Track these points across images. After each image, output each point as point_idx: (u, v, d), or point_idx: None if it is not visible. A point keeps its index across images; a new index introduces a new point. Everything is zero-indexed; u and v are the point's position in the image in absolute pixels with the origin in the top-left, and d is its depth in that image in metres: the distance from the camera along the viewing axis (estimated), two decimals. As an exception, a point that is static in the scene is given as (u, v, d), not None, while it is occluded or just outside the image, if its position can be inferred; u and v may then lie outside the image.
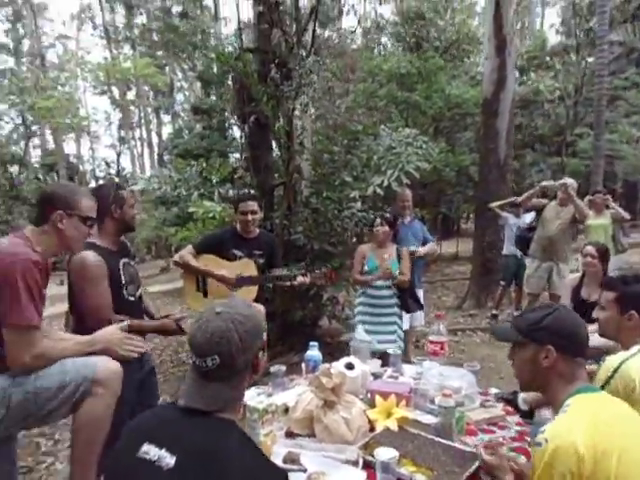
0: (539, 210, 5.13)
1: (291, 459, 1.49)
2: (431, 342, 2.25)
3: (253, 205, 2.99)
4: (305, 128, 5.23)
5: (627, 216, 5.42)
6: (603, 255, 3.20)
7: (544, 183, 5.02)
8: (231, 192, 4.86)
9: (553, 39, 19.69)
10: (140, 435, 1.06)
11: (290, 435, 1.70)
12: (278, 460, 1.46)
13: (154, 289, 12.48)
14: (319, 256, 4.78)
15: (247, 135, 5.23)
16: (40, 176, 23.03)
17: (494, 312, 6.33)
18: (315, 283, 3.20)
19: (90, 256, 1.94)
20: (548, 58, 13.91)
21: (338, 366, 1.91)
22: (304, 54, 4.96)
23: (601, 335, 1.93)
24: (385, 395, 1.80)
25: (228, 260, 2.99)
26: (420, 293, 4.22)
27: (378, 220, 3.54)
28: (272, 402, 1.72)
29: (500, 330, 1.53)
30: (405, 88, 9.96)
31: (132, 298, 2.16)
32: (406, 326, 3.95)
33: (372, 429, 1.71)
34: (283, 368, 2.12)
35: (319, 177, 5.30)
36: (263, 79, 4.68)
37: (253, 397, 1.74)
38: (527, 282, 5.15)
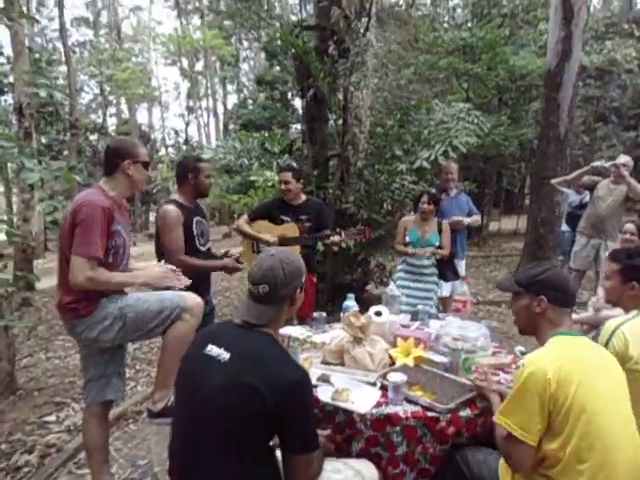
0: (592, 188, 5.11)
1: (323, 379, 1.89)
2: (455, 300, 2.55)
3: (287, 175, 3.41)
4: (360, 103, 5.46)
5: None
6: None
7: (595, 163, 4.97)
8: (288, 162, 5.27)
9: (640, 1, 18.12)
10: (206, 338, 1.49)
11: (325, 363, 2.10)
12: (313, 379, 1.86)
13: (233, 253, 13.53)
14: (368, 224, 5.10)
15: (305, 108, 5.57)
16: (117, 144, 24.55)
17: None
18: (350, 239, 3.55)
19: (170, 208, 2.51)
20: (626, 26, 12.91)
21: (369, 312, 2.28)
22: (362, 30, 5.17)
23: (607, 301, 2.15)
24: (406, 338, 2.14)
25: (276, 225, 3.43)
26: (462, 263, 4.43)
27: (425, 197, 3.77)
28: (312, 337, 2.12)
29: (504, 283, 1.81)
30: (467, 59, 9.78)
31: (203, 248, 2.71)
32: (447, 293, 4.21)
33: (392, 364, 2.07)
34: (324, 314, 2.53)
35: (372, 150, 5.56)
36: (321, 56, 4.96)
37: (297, 331, 2.16)
38: (574, 258, 5.19)
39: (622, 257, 2.07)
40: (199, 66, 27.87)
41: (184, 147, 29.60)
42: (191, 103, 29.53)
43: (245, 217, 3.58)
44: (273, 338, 1.48)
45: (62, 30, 15.73)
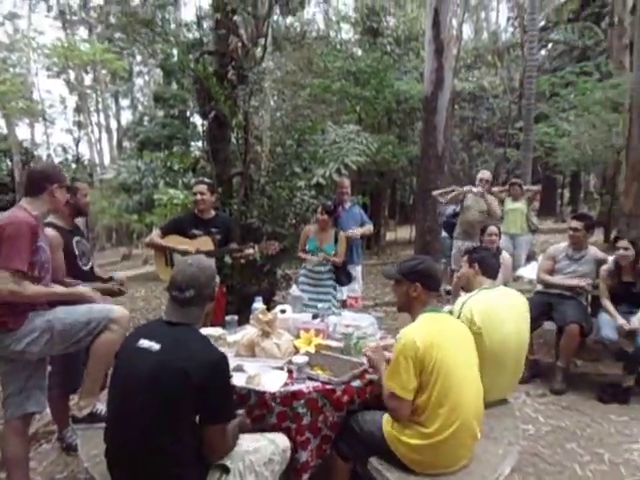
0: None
1: (237, 368, 2.18)
2: (349, 297, 2.97)
3: (202, 187, 3.69)
4: (260, 124, 5.84)
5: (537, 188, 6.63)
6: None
7: (466, 188, 5.81)
8: (193, 180, 5.45)
9: (508, 34, 20.84)
10: (138, 334, 1.73)
11: (238, 356, 2.38)
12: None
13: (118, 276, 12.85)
14: (273, 237, 5.45)
15: (208, 129, 5.80)
16: (-6, 162, 22.42)
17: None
18: (262, 252, 3.87)
19: (49, 231, 2.50)
20: (489, 57, 14.86)
21: (275, 310, 2.61)
22: (259, 58, 5.57)
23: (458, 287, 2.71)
24: (308, 330, 2.51)
25: (189, 238, 3.64)
26: (358, 268, 4.93)
27: (320, 208, 4.22)
28: (226, 335, 2.40)
29: (388, 272, 2.24)
30: (358, 83, 10.65)
31: (85, 268, 2.80)
32: (344, 296, 4.68)
33: (297, 352, 2.42)
34: (236, 317, 2.82)
35: (273, 168, 5.95)
36: (221, 80, 5.25)
37: (211, 330, 2.42)
38: (454, 260, 5.98)
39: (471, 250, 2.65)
40: (88, 79, 26.45)
41: (74, 165, 27.76)
42: (81, 118, 27.87)
43: (157, 232, 3.74)
44: (196, 330, 1.76)
45: None
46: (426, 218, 8.17)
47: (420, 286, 2.05)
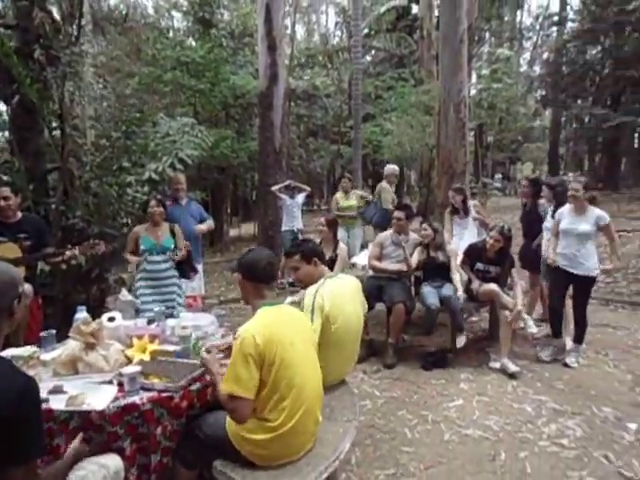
0: None
1: (55, 390, 1.90)
2: (187, 297, 2.83)
3: (6, 191, 3.17)
4: (79, 113, 5.21)
5: (369, 196, 7.10)
6: (331, 223, 4.25)
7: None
8: (-5, 178, 4.63)
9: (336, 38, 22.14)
10: None
11: (57, 376, 2.08)
12: (43, 393, 1.85)
13: None
14: (101, 239, 4.93)
15: (12, 116, 4.97)
16: None
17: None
18: (86, 255, 3.44)
19: None
20: (321, 58, 15.70)
21: (102, 319, 2.35)
22: (74, 35, 4.94)
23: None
24: (141, 337, 2.31)
25: None
26: (199, 267, 4.76)
27: (153, 202, 3.93)
28: (40, 354, 2.07)
29: (233, 265, 2.17)
30: (192, 75, 10.25)
31: None
32: (189, 293, 4.46)
33: (130, 362, 2.21)
34: (53, 331, 2.45)
35: (99, 162, 5.36)
36: (25, 60, 4.53)
37: (20, 350, 2.07)
38: None
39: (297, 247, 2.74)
40: None
41: None
42: None
43: None
44: None
45: None
46: (267, 213, 8.28)
47: (242, 278, 2.04)
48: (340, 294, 2.57)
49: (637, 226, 9.66)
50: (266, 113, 8.04)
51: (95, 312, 2.73)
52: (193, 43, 12.26)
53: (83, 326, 2.04)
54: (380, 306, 4.30)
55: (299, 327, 2.10)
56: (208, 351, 2.07)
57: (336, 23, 22.62)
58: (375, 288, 4.17)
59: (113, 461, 1.76)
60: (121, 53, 12.87)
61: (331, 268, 3.43)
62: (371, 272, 4.57)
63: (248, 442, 1.87)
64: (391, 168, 6.91)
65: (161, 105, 11.09)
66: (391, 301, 4.04)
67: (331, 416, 2.27)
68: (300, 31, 27.42)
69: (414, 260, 4.23)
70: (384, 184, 6.80)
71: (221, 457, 1.93)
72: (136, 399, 1.89)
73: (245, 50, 13.89)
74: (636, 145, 22.67)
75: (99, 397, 1.86)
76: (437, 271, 4.18)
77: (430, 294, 3.99)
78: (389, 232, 4.49)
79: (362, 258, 5.36)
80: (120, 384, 1.98)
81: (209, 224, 4.92)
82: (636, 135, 22.46)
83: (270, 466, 1.89)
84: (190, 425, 1.99)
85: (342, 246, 4.42)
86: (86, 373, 2.04)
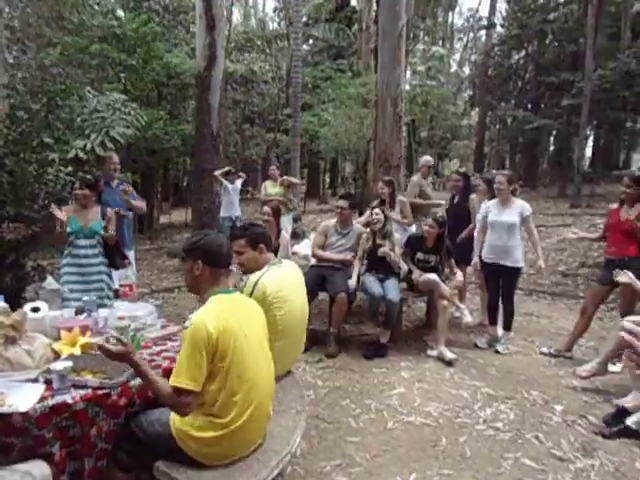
0: None
1: (-32, 391, 1.66)
2: (122, 285, 2.61)
3: None
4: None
5: (297, 181, 7.30)
6: (276, 212, 4.15)
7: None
8: None
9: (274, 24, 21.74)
10: None
11: (-30, 375, 1.82)
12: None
13: None
14: (17, 222, 4.46)
15: None
16: None
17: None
18: (4, 237, 3.06)
19: None
20: (259, 43, 15.35)
21: (24, 309, 2.09)
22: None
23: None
24: (70, 329, 2.09)
25: None
26: (131, 254, 4.46)
27: (78, 184, 3.60)
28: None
29: (172, 248, 2.01)
30: (122, 49, 9.57)
31: None
32: (116, 285, 4.15)
33: (57, 357, 1.98)
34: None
35: (14, 137, 4.84)
36: None
37: None
38: None
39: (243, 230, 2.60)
40: None
41: None
42: None
43: None
44: None
45: None
46: (203, 199, 7.95)
47: (201, 263, 1.89)
48: (284, 282, 2.48)
49: (554, 222, 10.43)
50: (203, 95, 7.68)
51: (12, 303, 2.44)
52: (123, 14, 11.43)
53: (2, 317, 1.80)
54: (323, 295, 4.26)
55: (253, 318, 1.99)
56: (107, 341, 1.74)
57: (275, 9, 22.22)
58: (318, 277, 4.13)
59: (39, 469, 1.57)
60: (40, 20, 11.73)
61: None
62: (313, 261, 4.52)
63: (194, 440, 1.74)
64: (424, 160, 5.89)
65: (86, 80, 10.26)
66: (334, 290, 4.01)
67: (279, 409, 2.19)
68: (236, 14, 26.68)
69: (359, 252, 4.22)
70: (414, 178, 5.85)
71: (162, 458, 1.79)
72: (67, 398, 1.70)
73: (179, 28, 13.21)
74: (552, 147, 24.53)
75: (22, 397, 1.65)
76: (381, 262, 4.16)
77: (373, 283, 4.01)
78: (333, 221, 4.45)
79: (303, 247, 5.30)
80: (48, 382, 1.77)
81: (141, 204, 4.61)
82: (551, 139, 24.31)
83: (219, 465, 1.78)
84: (130, 423, 1.82)
85: (284, 234, 4.33)
86: (6, 371, 1.80)
